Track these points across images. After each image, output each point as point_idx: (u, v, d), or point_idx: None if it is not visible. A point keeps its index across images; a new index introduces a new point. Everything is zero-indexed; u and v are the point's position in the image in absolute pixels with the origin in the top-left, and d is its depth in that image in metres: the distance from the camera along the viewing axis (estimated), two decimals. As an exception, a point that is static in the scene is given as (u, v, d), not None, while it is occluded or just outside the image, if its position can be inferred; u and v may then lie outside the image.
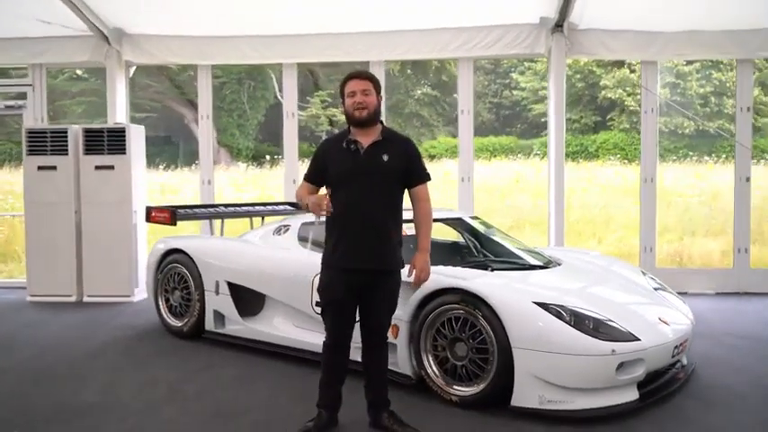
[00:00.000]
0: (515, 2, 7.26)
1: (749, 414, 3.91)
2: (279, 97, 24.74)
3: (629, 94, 22.89)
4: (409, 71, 27.60)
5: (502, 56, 9.06)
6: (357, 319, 3.59)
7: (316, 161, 3.62)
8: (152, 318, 6.31)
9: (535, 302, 3.84)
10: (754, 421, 3.81)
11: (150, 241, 7.71)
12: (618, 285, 4.70)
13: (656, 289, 4.84)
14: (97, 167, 7.20)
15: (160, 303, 5.82)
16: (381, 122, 3.60)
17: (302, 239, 5.23)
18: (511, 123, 26.02)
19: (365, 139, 3.49)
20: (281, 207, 7.04)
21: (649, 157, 7.77)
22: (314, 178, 3.62)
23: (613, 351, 3.67)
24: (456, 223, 5.50)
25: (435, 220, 5.34)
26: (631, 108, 22.18)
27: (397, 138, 3.61)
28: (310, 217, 5.35)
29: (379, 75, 7.72)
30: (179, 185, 16.63)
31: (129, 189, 7.21)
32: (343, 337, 3.58)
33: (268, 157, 20.55)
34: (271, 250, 5.25)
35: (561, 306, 3.84)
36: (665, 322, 4.17)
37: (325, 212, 3.37)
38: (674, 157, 20.22)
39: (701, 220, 11.80)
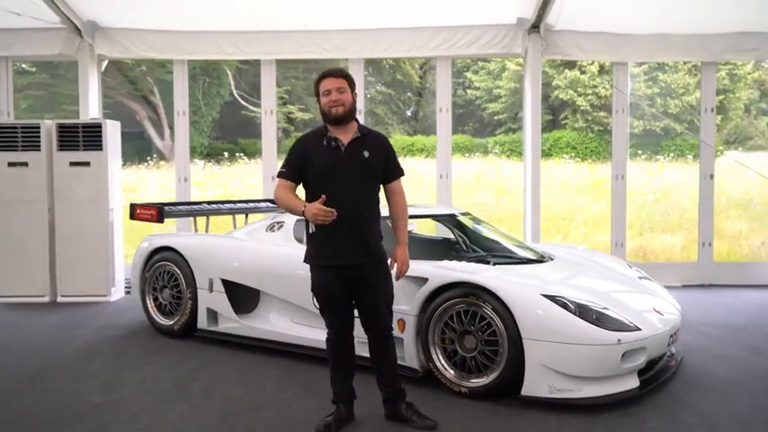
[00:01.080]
0: (493, 3, 7.41)
1: (739, 398, 4.13)
2: (234, 94, 24.47)
3: (579, 95, 23.52)
4: (365, 71, 27.69)
5: (480, 55, 9.25)
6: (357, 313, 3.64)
7: (294, 159, 3.56)
8: (136, 317, 6.23)
9: (543, 295, 3.96)
10: (746, 404, 4.02)
11: (128, 240, 7.57)
12: (610, 277, 4.87)
13: (640, 278, 5.06)
14: (72, 164, 7.01)
15: (148, 302, 5.72)
16: (356, 119, 3.62)
17: (298, 236, 5.23)
18: (464, 122, 26.37)
19: (344, 135, 3.52)
20: (264, 204, 7.02)
21: (620, 155, 8.04)
22: (293, 176, 3.56)
23: (619, 341, 3.82)
24: (448, 219, 5.59)
25: (432, 217, 5.49)
26: (582, 108, 22.79)
27: (374, 134, 3.67)
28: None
29: (358, 72, 7.79)
30: (136, 183, 16.29)
31: (105, 186, 7.05)
32: (344, 332, 3.62)
33: (226, 154, 20.29)
34: (267, 247, 5.23)
35: (567, 298, 3.97)
36: (660, 312, 4.37)
37: (328, 221, 3.35)
38: (630, 155, 20.90)
39: (657, 217, 12.23)
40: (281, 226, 5.42)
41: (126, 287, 7.47)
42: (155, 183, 16.23)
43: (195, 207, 6.40)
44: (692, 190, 14.93)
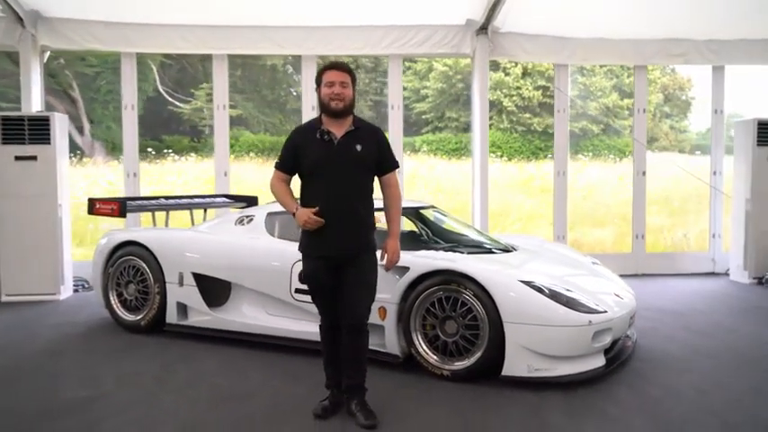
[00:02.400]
0: (444, 4, 7.66)
1: (692, 372, 4.51)
2: (160, 89, 23.82)
3: (505, 96, 24.31)
4: (290, 68, 27.53)
5: (430, 54, 9.48)
6: None
7: (289, 150, 3.64)
8: (93, 313, 6.12)
9: (520, 281, 4.21)
10: (699, 377, 4.40)
11: (77, 236, 7.35)
12: (570, 265, 5.20)
13: (593, 265, 5.42)
14: (18, 158, 6.75)
15: (112, 298, 5.61)
16: (353, 113, 3.69)
17: (269, 229, 5.29)
18: (391, 121, 26.71)
19: (338, 129, 3.57)
20: (220, 200, 7.02)
21: (561, 152, 8.47)
22: (288, 168, 3.66)
23: (590, 322, 4.12)
24: (411, 212, 5.74)
25: (416, 209, 5.64)
26: (509, 108, 23.57)
27: (368, 127, 3.70)
28: (272, 207, 5.45)
29: (312, 69, 7.86)
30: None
31: (54, 181, 6.82)
32: (336, 318, 3.65)
33: (152, 150, 19.74)
34: (239, 240, 5.25)
35: (541, 283, 4.23)
36: (620, 296, 4.71)
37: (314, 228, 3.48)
38: (549, 155, 21.79)
39: (587, 212, 12.88)
40: (251, 219, 5.45)
41: (74, 285, 7.26)
42: (82, 180, 15.60)
43: (154, 202, 6.32)
44: (612, 187, 15.85)
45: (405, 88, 26.47)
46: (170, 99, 23.03)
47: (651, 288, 7.55)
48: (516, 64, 22.76)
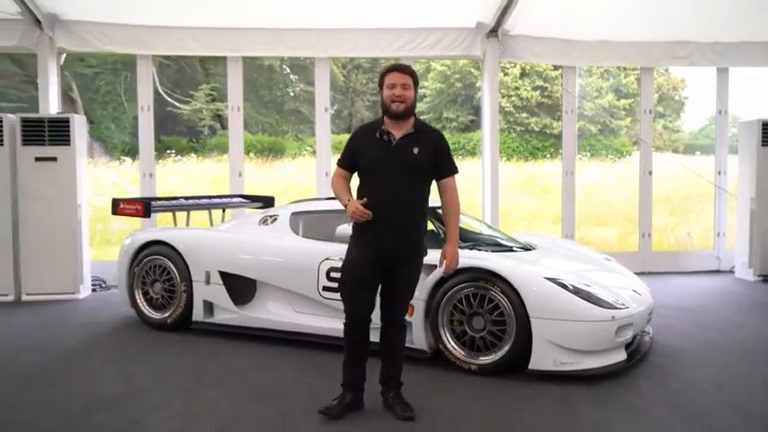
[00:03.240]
0: (454, 7, 7.78)
1: (708, 366, 4.67)
2: (159, 90, 23.90)
3: (502, 96, 24.47)
4: (287, 68, 27.64)
5: (441, 57, 9.63)
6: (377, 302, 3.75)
7: (350, 148, 3.74)
8: (115, 312, 6.23)
9: (546, 278, 4.35)
10: (715, 371, 4.55)
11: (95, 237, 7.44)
12: (588, 262, 5.34)
13: (608, 261, 5.57)
14: (38, 159, 6.84)
15: (137, 297, 5.71)
16: (415, 115, 3.75)
17: (294, 228, 5.41)
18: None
19: (398, 130, 3.64)
20: (237, 200, 7.13)
21: (569, 152, 8.61)
22: (348, 165, 3.77)
23: (613, 317, 4.26)
24: (432, 211, 5.86)
25: (432, 208, 5.74)
26: (506, 109, 23.73)
27: (429, 131, 3.75)
28: (296, 207, 5.58)
29: (324, 71, 7.97)
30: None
31: (73, 182, 6.92)
32: (363, 317, 3.68)
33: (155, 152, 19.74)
34: (266, 239, 5.36)
35: (565, 280, 4.37)
36: (638, 293, 4.86)
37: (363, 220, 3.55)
38: (547, 155, 21.99)
39: (590, 212, 13.03)
40: (275, 219, 5.57)
41: (93, 284, 7.35)
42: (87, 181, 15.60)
43: (175, 202, 6.42)
44: (612, 186, 16.03)
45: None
46: (169, 100, 23.04)
47: (659, 285, 7.68)
48: (515, 65, 22.94)
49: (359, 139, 3.75)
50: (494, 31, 7.91)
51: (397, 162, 3.60)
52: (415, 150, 3.62)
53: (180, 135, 25.28)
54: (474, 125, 26.15)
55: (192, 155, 20.77)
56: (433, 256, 3.94)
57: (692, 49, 8.34)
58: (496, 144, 8.13)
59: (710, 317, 6.21)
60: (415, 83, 3.71)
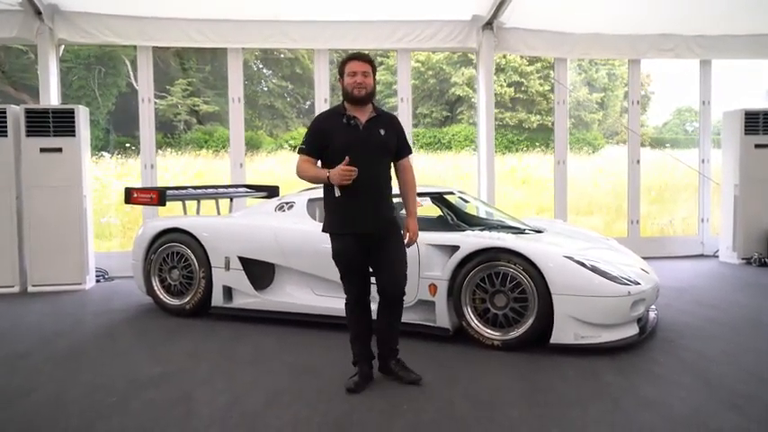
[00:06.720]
0: (451, 0, 7.96)
1: (715, 339, 4.93)
2: (134, 84, 23.59)
3: (476, 91, 24.77)
4: (261, 64, 27.55)
5: (437, 49, 9.80)
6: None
7: (317, 135, 3.84)
8: (125, 301, 6.31)
9: (564, 256, 4.56)
10: (723, 343, 4.81)
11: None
12: (597, 244, 5.57)
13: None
14: (43, 150, 6.84)
15: (154, 284, 5.78)
16: (372, 100, 3.95)
17: (312, 213, 5.54)
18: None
19: (361, 115, 3.82)
20: (242, 189, 7.22)
21: (561, 143, 8.88)
22: (314, 151, 3.83)
23: (629, 293, 4.49)
24: (436, 197, 6.00)
25: (440, 194, 5.93)
26: (482, 104, 23.96)
27: (387, 114, 3.99)
28: (312, 194, 5.71)
29: (324, 63, 8.09)
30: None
31: (79, 173, 6.93)
32: (363, 295, 3.90)
33: (131, 146, 19.60)
34: (285, 225, 5.47)
35: (582, 258, 4.59)
36: (646, 271, 5.10)
37: (351, 179, 3.66)
38: (524, 148, 22.36)
39: (570, 202, 13.29)
40: (291, 206, 5.68)
41: (96, 275, 7.37)
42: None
43: (184, 191, 6.49)
44: (591, 178, 16.41)
45: (378, 82, 26.89)
46: (145, 95, 22.73)
47: (652, 268, 7.99)
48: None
49: (325, 126, 3.87)
50: (489, 24, 8.11)
51: (368, 144, 3.79)
52: (382, 132, 3.85)
53: (156, 130, 25.04)
54: (448, 120, 26.45)
55: (169, 150, 20.61)
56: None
57: (677, 41, 8.66)
58: (492, 137, 8.36)
59: (707, 296, 6.51)
60: (374, 70, 3.90)
